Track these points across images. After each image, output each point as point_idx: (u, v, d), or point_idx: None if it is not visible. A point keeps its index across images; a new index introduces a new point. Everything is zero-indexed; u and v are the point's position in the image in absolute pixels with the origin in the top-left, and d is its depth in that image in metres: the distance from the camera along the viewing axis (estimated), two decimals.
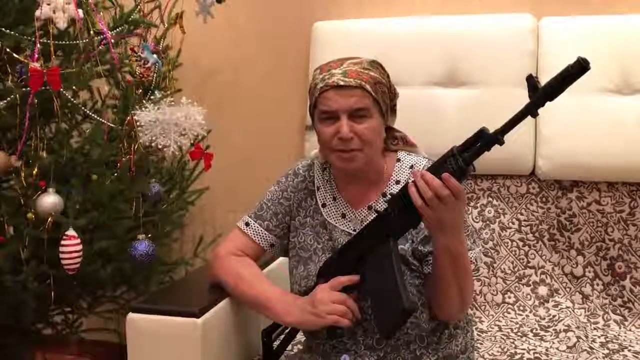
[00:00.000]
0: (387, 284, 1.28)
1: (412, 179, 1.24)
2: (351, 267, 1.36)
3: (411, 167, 1.47)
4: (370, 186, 1.47)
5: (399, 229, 1.31)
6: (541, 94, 1.14)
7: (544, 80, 1.17)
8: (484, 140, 1.18)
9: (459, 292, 1.33)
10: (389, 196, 1.40)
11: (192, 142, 1.79)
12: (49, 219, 1.57)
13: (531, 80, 1.15)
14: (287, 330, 1.53)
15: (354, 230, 1.44)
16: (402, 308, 1.24)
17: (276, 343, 1.55)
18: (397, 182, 1.46)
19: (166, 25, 2.04)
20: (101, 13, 1.82)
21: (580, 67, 1.10)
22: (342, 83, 1.35)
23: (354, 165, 1.39)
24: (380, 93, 1.38)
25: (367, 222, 1.38)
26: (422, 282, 1.39)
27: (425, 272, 1.39)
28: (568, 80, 1.12)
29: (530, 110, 1.16)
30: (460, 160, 1.20)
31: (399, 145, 1.50)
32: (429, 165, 1.26)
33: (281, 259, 1.84)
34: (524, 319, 1.92)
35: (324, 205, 1.50)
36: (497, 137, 1.17)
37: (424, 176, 1.20)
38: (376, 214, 1.33)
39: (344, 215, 1.48)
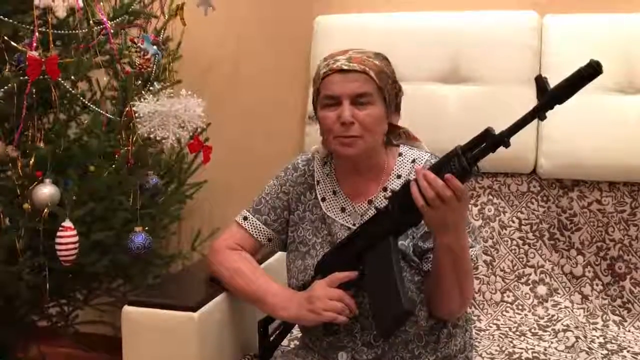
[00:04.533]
0: (387, 283, 1.26)
1: (414, 177, 1.22)
2: (349, 263, 1.35)
3: (413, 161, 1.46)
4: (371, 180, 1.46)
5: (399, 227, 1.29)
6: (550, 96, 1.10)
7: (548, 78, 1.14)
8: (489, 141, 1.16)
9: (458, 291, 1.32)
10: (390, 191, 1.39)
11: (191, 134, 1.78)
12: (45, 210, 1.56)
13: (540, 82, 1.11)
14: (283, 323, 1.52)
15: (354, 224, 1.43)
16: (402, 309, 1.23)
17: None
18: (399, 177, 1.44)
19: (166, 16, 2.03)
20: (101, 3, 1.80)
21: (592, 71, 1.07)
22: (346, 67, 1.36)
23: (353, 151, 1.38)
24: (383, 82, 1.38)
25: (367, 216, 1.37)
26: (422, 279, 1.38)
27: (425, 269, 1.38)
28: (579, 83, 1.08)
29: (538, 112, 1.13)
30: (464, 161, 1.17)
31: (402, 140, 1.49)
32: (432, 163, 1.25)
33: (279, 253, 1.83)
34: (522, 318, 1.91)
35: (323, 200, 1.49)
36: (503, 139, 1.14)
37: (427, 176, 1.18)
38: (376, 211, 1.32)
39: (343, 209, 1.47)
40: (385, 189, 1.44)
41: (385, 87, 1.38)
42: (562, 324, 1.84)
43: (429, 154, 1.47)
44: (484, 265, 1.98)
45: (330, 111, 1.38)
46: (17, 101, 1.56)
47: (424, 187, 1.19)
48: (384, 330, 1.29)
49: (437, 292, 1.35)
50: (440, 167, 1.19)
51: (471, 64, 2.02)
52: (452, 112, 2.02)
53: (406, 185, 1.24)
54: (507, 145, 1.15)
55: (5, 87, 1.54)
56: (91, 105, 1.77)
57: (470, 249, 1.36)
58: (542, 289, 1.95)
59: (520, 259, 1.98)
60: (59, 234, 1.58)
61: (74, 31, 1.69)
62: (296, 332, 1.62)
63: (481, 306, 1.96)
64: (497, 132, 1.16)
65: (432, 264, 1.33)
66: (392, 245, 1.29)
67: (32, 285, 1.70)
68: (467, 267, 1.31)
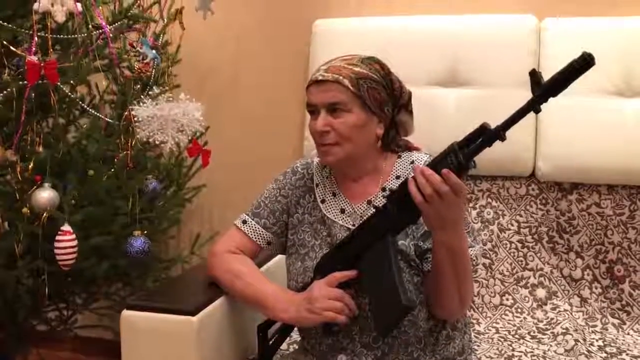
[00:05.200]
0: (386, 280, 1.26)
1: (412, 175, 1.22)
2: (349, 262, 1.35)
3: (412, 162, 1.46)
4: (369, 181, 1.46)
5: (398, 225, 1.30)
6: (544, 89, 1.12)
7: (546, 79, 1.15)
8: (485, 136, 1.16)
9: (458, 290, 1.32)
10: (389, 191, 1.39)
11: (189, 138, 1.78)
12: (45, 214, 1.56)
13: (535, 76, 1.13)
14: (282, 327, 1.51)
15: (353, 225, 1.43)
16: (401, 305, 1.23)
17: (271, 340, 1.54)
18: (397, 177, 1.45)
19: (165, 20, 2.03)
20: (100, 7, 1.80)
21: (584, 62, 1.08)
22: (320, 78, 1.39)
23: (330, 159, 1.42)
24: (365, 88, 1.38)
25: (366, 217, 1.37)
26: (421, 279, 1.38)
27: (425, 269, 1.38)
28: (572, 75, 1.10)
29: (533, 105, 1.14)
30: (460, 156, 1.18)
31: (401, 150, 1.50)
32: (429, 161, 1.25)
33: (279, 256, 1.83)
34: (521, 321, 1.91)
35: (322, 201, 1.49)
36: (499, 133, 1.15)
37: (424, 172, 1.19)
38: (375, 210, 1.32)
39: (342, 210, 1.47)
40: (384, 189, 1.44)
41: (365, 94, 1.38)
42: (561, 327, 1.84)
43: (428, 156, 1.47)
44: (483, 268, 1.98)
45: (313, 120, 1.42)
46: (16, 105, 1.56)
47: (422, 183, 1.19)
48: (383, 327, 1.29)
49: (436, 291, 1.35)
50: (437, 164, 1.20)
51: (470, 67, 2.03)
52: (450, 115, 2.02)
53: (404, 183, 1.25)
54: (502, 139, 1.16)
55: (5, 92, 1.54)
56: (90, 110, 1.77)
57: (470, 249, 1.36)
58: (541, 292, 1.95)
59: (519, 262, 1.98)
60: (57, 238, 1.58)
61: (73, 35, 1.69)
62: (295, 335, 1.62)
63: (480, 309, 1.96)
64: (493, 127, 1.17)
65: (432, 262, 1.33)
66: (391, 243, 1.29)
67: (31, 289, 1.70)
68: (466, 265, 1.31)
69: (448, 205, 1.19)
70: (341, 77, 1.37)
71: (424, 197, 1.19)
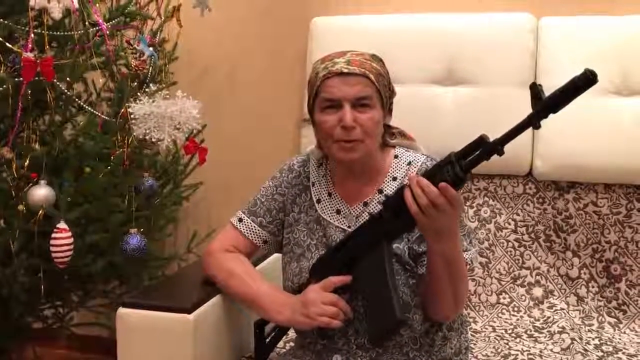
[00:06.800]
0: (380, 290, 1.25)
1: (408, 183, 1.21)
2: (344, 266, 1.34)
3: (409, 163, 1.45)
4: (366, 182, 1.45)
5: (393, 232, 1.29)
6: (545, 105, 1.10)
7: (543, 81, 1.14)
8: (483, 149, 1.16)
9: (453, 295, 1.32)
10: (385, 195, 1.38)
11: (186, 136, 1.78)
12: (40, 212, 1.56)
13: (535, 89, 1.11)
14: (279, 325, 1.51)
15: (349, 226, 1.43)
16: (395, 319, 1.23)
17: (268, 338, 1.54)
18: (394, 179, 1.44)
19: (163, 18, 2.03)
20: (97, 4, 1.80)
21: (587, 80, 1.07)
22: (345, 70, 1.34)
23: (355, 155, 1.37)
24: (381, 85, 1.37)
25: (362, 218, 1.37)
26: (416, 282, 1.38)
27: (420, 272, 1.37)
28: (574, 92, 1.08)
29: (533, 121, 1.13)
30: (457, 168, 1.17)
31: (397, 139, 1.48)
32: (426, 169, 1.24)
33: (275, 255, 1.82)
34: (518, 320, 1.91)
35: (318, 201, 1.48)
36: (497, 147, 1.15)
37: (420, 182, 1.18)
38: (370, 216, 1.32)
39: (338, 212, 1.46)
40: (380, 191, 1.43)
41: (383, 90, 1.38)
42: (557, 326, 1.84)
43: (425, 157, 1.46)
44: (479, 267, 1.98)
45: (330, 115, 1.36)
46: (12, 102, 1.55)
47: (418, 194, 1.18)
48: (376, 338, 1.29)
49: (431, 295, 1.35)
50: (433, 174, 1.19)
51: (467, 66, 2.02)
52: (448, 114, 2.02)
53: (400, 191, 1.23)
54: (500, 153, 1.15)
55: (1, 88, 1.53)
56: (87, 107, 1.77)
57: (466, 252, 1.36)
58: (537, 291, 1.95)
59: (516, 261, 1.98)
60: (53, 235, 1.57)
61: (69, 32, 1.68)
62: (292, 333, 1.62)
63: (477, 308, 1.96)
64: (492, 137, 1.16)
65: (426, 268, 1.33)
66: (386, 252, 1.28)
67: (27, 287, 1.69)
68: (461, 271, 1.31)
69: (443, 216, 1.17)
70: (367, 71, 1.35)
71: (419, 207, 1.19)
